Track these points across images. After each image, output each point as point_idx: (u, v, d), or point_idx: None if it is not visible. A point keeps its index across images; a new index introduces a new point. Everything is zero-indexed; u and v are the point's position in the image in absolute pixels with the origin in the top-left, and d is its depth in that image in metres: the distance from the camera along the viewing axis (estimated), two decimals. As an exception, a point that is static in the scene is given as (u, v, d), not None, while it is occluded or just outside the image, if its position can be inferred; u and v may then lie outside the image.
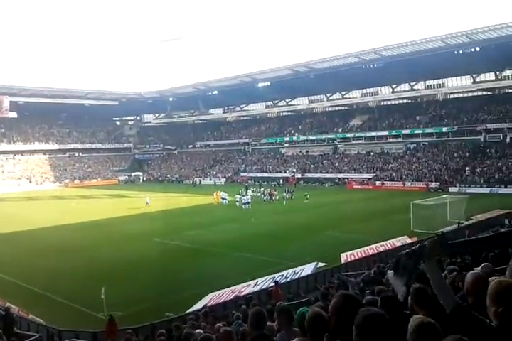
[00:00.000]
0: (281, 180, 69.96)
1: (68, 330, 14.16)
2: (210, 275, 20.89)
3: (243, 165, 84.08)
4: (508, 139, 59.23)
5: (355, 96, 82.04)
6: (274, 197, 49.01)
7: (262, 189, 53.84)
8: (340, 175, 67.92)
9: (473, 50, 57.98)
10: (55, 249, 27.50)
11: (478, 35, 56.94)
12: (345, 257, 22.01)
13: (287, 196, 48.68)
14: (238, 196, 46.70)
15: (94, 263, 23.48)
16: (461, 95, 71.50)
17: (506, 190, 48.84)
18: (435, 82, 72.81)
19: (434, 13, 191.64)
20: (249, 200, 44.89)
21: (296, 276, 19.34)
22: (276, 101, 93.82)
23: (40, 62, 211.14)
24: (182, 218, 38.58)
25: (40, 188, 76.94)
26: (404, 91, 75.10)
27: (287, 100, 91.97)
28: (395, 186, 58.73)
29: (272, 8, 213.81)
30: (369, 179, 63.77)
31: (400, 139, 69.82)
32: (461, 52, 58.92)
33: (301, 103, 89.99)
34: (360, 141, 74.34)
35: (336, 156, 74.99)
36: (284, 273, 19.47)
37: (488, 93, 67.80)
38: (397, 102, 78.38)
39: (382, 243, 24.28)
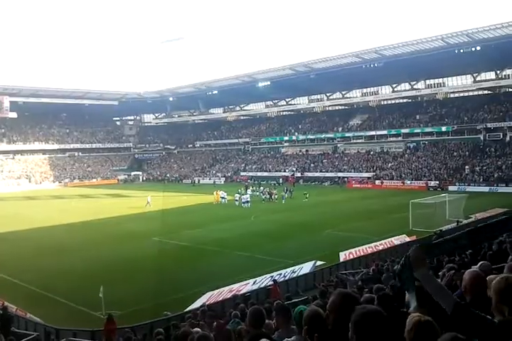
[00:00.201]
0: (280, 179, 70.03)
1: (66, 329, 14.15)
2: (209, 274, 20.89)
3: (243, 165, 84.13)
4: (507, 138, 59.29)
5: (355, 95, 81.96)
6: (273, 196, 49.05)
7: (261, 188, 53.88)
8: (340, 174, 68.01)
9: (473, 49, 57.87)
10: (54, 248, 27.51)
11: (478, 34, 56.86)
12: (344, 256, 22.04)
13: (286, 195, 48.68)
14: (237, 195, 46.77)
15: (92, 263, 23.47)
16: (461, 94, 71.47)
17: (505, 189, 48.91)
18: (435, 81, 72.71)
19: (434, 12, 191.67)
20: (249, 199, 44.96)
21: (295, 275, 19.35)
22: (276, 101, 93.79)
23: (40, 62, 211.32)
24: (181, 217, 38.60)
25: (39, 188, 76.96)
26: (405, 90, 75.04)
27: (287, 100, 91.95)
28: (394, 185, 58.80)
29: (272, 7, 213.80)
30: (369, 178, 63.84)
31: (399, 138, 69.88)
32: (461, 51, 58.78)
33: (301, 102, 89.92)
34: (360, 140, 74.43)
35: (336, 155, 75.05)
36: (283, 271, 19.49)
37: (489, 92, 67.78)
38: (397, 101, 78.34)
39: (381, 241, 24.36)
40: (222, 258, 24.14)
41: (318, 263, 20.98)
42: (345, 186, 63.03)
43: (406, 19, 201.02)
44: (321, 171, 71.65)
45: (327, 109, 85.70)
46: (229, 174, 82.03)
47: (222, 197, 47.98)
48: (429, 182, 56.17)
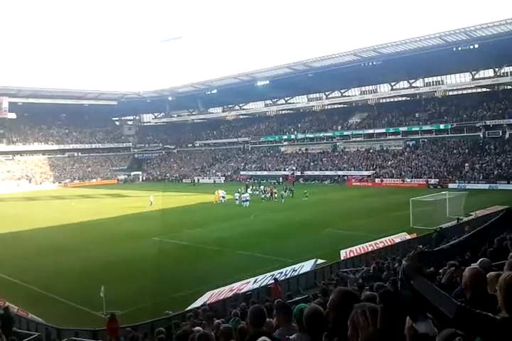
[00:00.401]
0: (280, 178, 70.04)
1: (68, 329, 14.18)
2: (210, 273, 20.92)
3: (243, 164, 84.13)
4: (507, 135, 59.30)
5: (354, 94, 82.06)
6: (273, 195, 49.07)
7: (261, 187, 53.89)
8: (340, 173, 68.04)
9: (471, 47, 57.84)
10: (54, 248, 27.52)
11: (476, 32, 56.85)
12: (344, 254, 22.06)
13: (285, 194, 48.61)
14: (237, 194, 46.79)
15: (93, 262, 23.47)
16: (460, 92, 71.42)
17: (505, 186, 48.90)
18: (434, 79, 72.79)
19: (432, 10, 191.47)
20: (248, 198, 44.99)
21: (296, 273, 19.37)
22: (275, 100, 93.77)
23: (38, 63, 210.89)
24: (182, 216, 38.63)
25: (39, 188, 76.95)
26: (403, 88, 75.05)
27: (286, 98, 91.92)
28: (394, 183, 58.80)
29: (270, 6, 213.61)
30: (368, 176, 63.85)
31: (399, 136, 69.84)
32: (459, 49, 58.71)
33: (300, 101, 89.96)
34: (359, 139, 74.45)
35: (336, 154, 75.06)
36: (284, 270, 19.50)
37: (487, 90, 67.74)
38: (396, 100, 78.45)
39: (381, 239, 24.37)
40: (223, 258, 24.15)
41: (319, 261, 20.99)
42: (345, 184, 63.04)
43: (404, 17, 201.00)
44: (320, 170, 71.66)
45: (326, 107, 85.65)
46: (229, 173, 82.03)
47: (222, 197, 48.00)
48: (429, 180, 56.19)
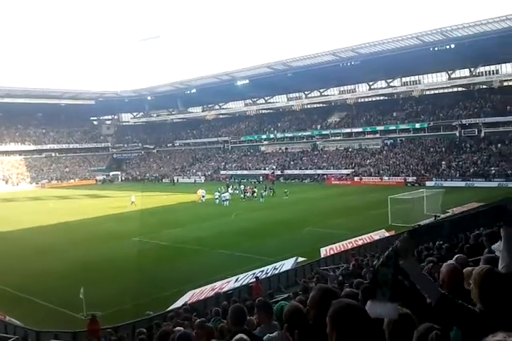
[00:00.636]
0: (261, 177, 70.08)
1: (47, 331, 14.00)
2: (191, 273, 20.87)
3: (223, 163, 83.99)
4: (482, 134, 60.34)
5: (333, 93, 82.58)
6: (254, 194, 49.10)
7: (242, 186, 53.87)
8: (320, 172, 68.40)
9: (448, 47, 58.69)
10: (33, 250, 27.07)
11: (452, 32, 57.76)
12: (324, 252, 22.22)
13: (265, 193, 48.57)
14: (217, 193, 46.72)
15: (71, 264, 23.18)
16: (436, 91, 72.39)
17: (481, 184, 49.75)
18: (411, 78, 73.75)
19: (410, 11, 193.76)
20: (228, 197, 44.97)
21: (277, 271, 19.45)
22: (255, 99, 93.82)
23: (14, 62, 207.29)
24: (161, 217, 38.36)
25: (16, 189, 75.59)
26: (381, 88, 75.83)
27: (266, 98, 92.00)
28: (372, 181, 59.43)
29: (249, 6, 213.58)
30: (347, 175, 64.33)
31: (377, 135, 70.53)
32: (436, 49, 59.56)
33: (280, 101, 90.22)
34: (338, 138, 74.89)
35: (315, 153, 75.45)
36: (265, 268, 19.56)
37: (463, 89, 68.84)
38: (374, 99, 79.21)
39: (360, 237, 24.60)
40: (203, 257, 24.08)
41: (300, 259, 21.11)
42: (325, 183, 63.41)
43: (382, 18, 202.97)
44: (300, 168, 71.98)
45: (305, 107, 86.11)
46: (209, 173, 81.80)
47: (203, 196, 47.86)
48: (406, 178, 56.87)
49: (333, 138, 75.48)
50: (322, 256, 21.74)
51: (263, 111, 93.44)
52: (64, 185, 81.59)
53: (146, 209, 43.25)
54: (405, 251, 2.58)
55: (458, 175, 54.25)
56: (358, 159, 67.86)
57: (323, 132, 76.98)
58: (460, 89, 69.27)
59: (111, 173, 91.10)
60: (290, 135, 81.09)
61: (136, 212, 41.58)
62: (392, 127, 69.16)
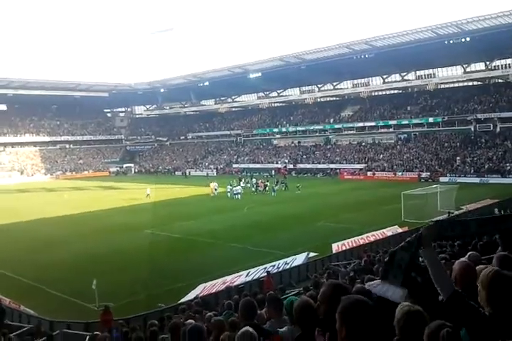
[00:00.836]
0: (273, 171, 69.95)
1: (60, 321, 14.18)
2: (202, 266, 20.96)
3: (235, 157, 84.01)
4: (498, 129, 59.52)
5: (346, 86, 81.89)
6: (267, 188, 49.04)
7: (254, 180, 53.85)
8: (332, 166, 68.05)
9: (463, 40, 57.93)
10: (47, 240, 27.45)
11: (468, 25, 56.91)
12: (336, 247, 22.14)
13: (277, 187, 48.37)
14: (229, 187, 46.78)
15: (85, 255, 23.42)
16: (451, 85, 71.43)
17: (496, 180, 49.16)
18: (426, 72, 72.88)
19: (424, 3, 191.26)
20: (240, 191, 45.01)
21: (288, 266, 19.44)
22: (267, 92, 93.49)
23: (29, 54, 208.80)
24: (174, 209, 38.57)
25: (31, 180, 76.54)
26: (395, 81, 74.99)
27: (278, 91, 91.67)
28: (386, 176, 58.97)
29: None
30: (360, 169, 63.96)
31: (390, 129, 69.93)
32: (451, 42, 58.81)
33: (293, 94, 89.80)
34: (351, 132, 74.40)
35: (328, 147, 75.09)
36: (276, 263, 19.57)
37: (479, 83, 67.93)
38: (388, 93, 78.46)
39: (373, 233, 24.44)
40: (215, 250, 24.19)
41: (311, 254, 21.07)
42: (338, 178, 63.13)
43: (396, 10, 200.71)
44: (313, 163, 71.72)
45: (318, 100, 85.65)
46: (221, 166, 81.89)
47: (215, 189, 47.93)
48: (420, 173, 56.38)
49: (346, 132, 75.00)
50: (334, 251, 21.66)
51: (276, 105, 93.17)
52: (78, 177, 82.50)
53: (159, 201, 43.54)
54: (428, 240, 2.58)
55: (472, 170, 53.67)
56: (371, 154, 67.43)
57: (336, 126, 76.50)
58: (475, 83, 68.35)
59: (124, 165, 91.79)
60: (303, 128, 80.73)
61: (149, 204, 41.88)
62: (406, 121, 68.48)
